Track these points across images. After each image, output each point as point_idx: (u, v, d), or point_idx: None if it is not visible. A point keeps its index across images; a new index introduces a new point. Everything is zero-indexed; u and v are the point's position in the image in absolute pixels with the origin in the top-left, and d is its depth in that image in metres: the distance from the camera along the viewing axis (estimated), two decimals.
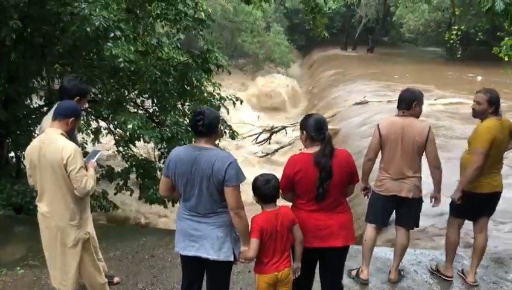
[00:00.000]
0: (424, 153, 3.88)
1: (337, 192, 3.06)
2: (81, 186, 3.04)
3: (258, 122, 16.32)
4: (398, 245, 4.14)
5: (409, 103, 3.90)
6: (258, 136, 14.44)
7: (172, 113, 6.11)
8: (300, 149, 3.22)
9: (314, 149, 3.03)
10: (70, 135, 3.26)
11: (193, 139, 4.29)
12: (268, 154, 13.71)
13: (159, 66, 6.03)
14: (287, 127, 14.70)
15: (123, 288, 4.06)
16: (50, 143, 3.06)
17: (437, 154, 3.88)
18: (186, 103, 6.76)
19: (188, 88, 6.64)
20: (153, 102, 6.53)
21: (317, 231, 3.06)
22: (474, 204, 3.92)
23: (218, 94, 6.93)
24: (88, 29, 4.77)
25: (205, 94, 6.77)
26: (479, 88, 4.02)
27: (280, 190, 3.06)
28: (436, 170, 3.89)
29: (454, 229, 4.12)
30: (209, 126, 2.83)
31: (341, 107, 15.00)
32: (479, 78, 20.01)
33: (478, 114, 3.91)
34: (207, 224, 2.87)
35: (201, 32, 6.28)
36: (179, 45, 6.68)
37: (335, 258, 3.19)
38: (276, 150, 13.85)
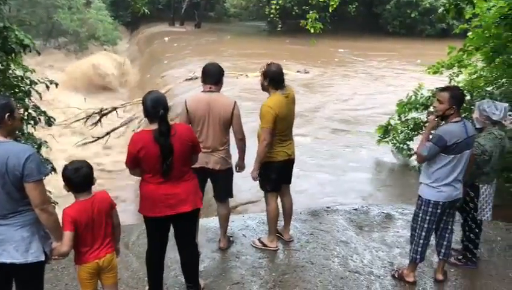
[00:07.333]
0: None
1: (181, 164, 3.24)
2: None
3: (85, 105, 15.26)
4: (219, 216, 4.31)
5: (218, 77, 4.01)
6: (86, 120, 13.48)
7: None
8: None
9: (154, 126, 3.12)
10: None
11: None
12: (99, 138, 12.98)
13: None
14: (117, 108, 14.00)
15: None
16: None
17: (241, 127, 4.02)
18: None
19: None
20: None
21: (166, 200, 3.22)
22: (275, 172, 4.17)
23: (28, 78, 6.25)
24: None
25: (11, 79, 6.03)
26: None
27: (127, 167, 3.24)
28: (240, 141, 4.09)
29: (273, 202, 4.28)
30: None
31: (172, 83, 14.88)
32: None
33: (262, 89, 4.16)
34: (8, 226, 2.57)
35: None
36: None
37: (186, 221, 3.38)
38: (109, 133, 13.20)
